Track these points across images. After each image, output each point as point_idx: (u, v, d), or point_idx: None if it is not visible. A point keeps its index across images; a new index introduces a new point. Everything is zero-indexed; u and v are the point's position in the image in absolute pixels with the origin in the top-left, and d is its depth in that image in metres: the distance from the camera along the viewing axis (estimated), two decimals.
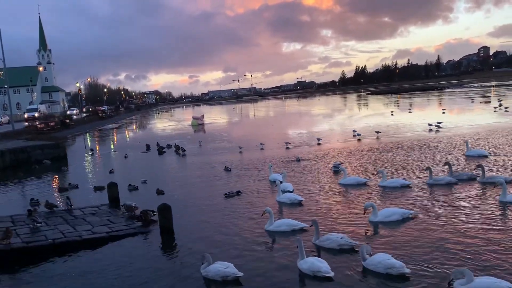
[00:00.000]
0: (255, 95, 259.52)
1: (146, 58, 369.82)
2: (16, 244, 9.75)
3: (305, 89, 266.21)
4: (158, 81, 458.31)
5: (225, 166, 18.93)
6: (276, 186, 13.43)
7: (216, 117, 71.82)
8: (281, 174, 15.07)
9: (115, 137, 45.84)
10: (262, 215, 10.37)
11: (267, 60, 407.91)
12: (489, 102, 48.93)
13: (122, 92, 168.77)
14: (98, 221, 11.59)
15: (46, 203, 12.92)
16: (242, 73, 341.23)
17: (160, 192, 15.32)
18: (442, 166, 15.05)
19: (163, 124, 62.64)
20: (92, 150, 30.01)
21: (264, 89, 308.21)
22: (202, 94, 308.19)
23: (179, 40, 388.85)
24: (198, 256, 8.63)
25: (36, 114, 61.18)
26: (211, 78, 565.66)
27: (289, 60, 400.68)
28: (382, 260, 7.34)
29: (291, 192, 13.37)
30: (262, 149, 24.53)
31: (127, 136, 46.05)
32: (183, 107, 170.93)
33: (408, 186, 13.19)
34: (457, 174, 13.71)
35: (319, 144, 24.50)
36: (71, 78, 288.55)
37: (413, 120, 34.59)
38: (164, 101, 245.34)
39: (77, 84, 79.14)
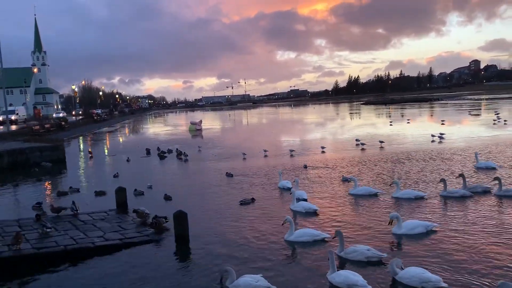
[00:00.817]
0: (249, 102, 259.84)
1: (141, 62, 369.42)
2: (26, 250, 9.35)
3: (298, 98, 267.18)
4: (152, 85, 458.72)
5: (227, 172, 18.77)
6: (290, 194, 13.16)
7: (212, 123, 71.56)
8: (293, 181, 14.85)
9: (112, 141, 45.28)
10: (282, 224, 10.08)
11: (261, 67, 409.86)
12: (479, 114, 49.39)
13: (117, 96, 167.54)
14: (108, 227, 11.22)
15: (52, 207, 12.50)
16: (236, 80, 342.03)
17: (167, 198, 15.00)
18: (456, 178, 14.87)
19: (160, 129, 62.12)
20: (91, 153, 29.50)
21: (258, 97, 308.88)
22: (195, 99, 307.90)
23: (174, 46, 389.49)
24: (216, 267, 8.39)
25: (13, 117, 59.81)
26: (205, 84, 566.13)
27: (283, 68, 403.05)
28: (417, 273, 7.11)
29: (305, 200, 13.15)
30: (265, 156, 24.29)
31: (125, 140, 45.49)
32: (176, 112, 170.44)
33: (422, 198, 13.00)
34: (471, 187, 13.56)
35: (323, 152, 24.31)
36: (64, 80, 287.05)
37: (413, 130, 34.59)
38: (158, 106, 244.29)
39: (73, 87, 78.71)
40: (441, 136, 26.70)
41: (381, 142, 25.69)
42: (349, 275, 7.15)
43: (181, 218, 10.29)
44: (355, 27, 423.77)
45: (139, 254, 9.69)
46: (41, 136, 39.57)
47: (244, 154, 24.44)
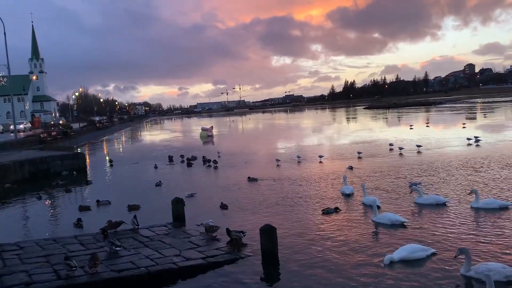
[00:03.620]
0: (245, 108, 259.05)
1: (136, 69, 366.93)
2: (106, 273, 8.19)
3: (295, 103, 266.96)
4: (147, 92, 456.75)
5: (249, 177, 18.69)
6: (365, 204, 12.15)
7: (218, 129, 70.35)
8: (361, 186, 13.89)
9: (124, 148, 44.04)
10: (454, 257, 8.09)
11: (256, 73, 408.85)
12: (493, 116, 48.74)
13: (117, 103, 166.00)
14: (180, 244, 10.09)
15: (110, 222, 11.33)
16: (231, 85, 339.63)
17: (224, 207, 13.99)
18: None
19: (167, 135, 60.91)
20: (111, 161, 28.28)
21: (253, 102, 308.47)
22: (190, 106, 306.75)
23: (169, 52, 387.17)
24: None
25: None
26: (200, 91, 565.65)
27: (279, 73, 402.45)
28: None
29: (378, 207, 12.17)
30: (299, 162, 23.27)
31: (136, 147, 44.17)
32: (172, 118, 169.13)
33: (506, 208, 11.99)
34: None
35: (360, 158, 23.30)
36: (58, 88, 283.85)
37: (439, 134, 33.77)
38: (153, 113, 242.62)
39: (76, 94, 76.87)
40: (477, 140, 25.81)
41: (419, 146, 24.72)
42: None
43: (269, 233, 9.20)
44: (351, 31, 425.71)
45: (228, 275, 8.59)
46: (49, 143, 38.33)
47: (277, 160, 23.45)
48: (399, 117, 65.05)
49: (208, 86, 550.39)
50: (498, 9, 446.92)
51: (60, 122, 79.90)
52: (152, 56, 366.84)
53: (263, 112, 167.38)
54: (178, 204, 12.57)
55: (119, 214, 13.67)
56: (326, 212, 12.23)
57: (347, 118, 76.57)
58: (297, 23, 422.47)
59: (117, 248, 9.46)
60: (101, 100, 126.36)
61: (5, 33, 39.13)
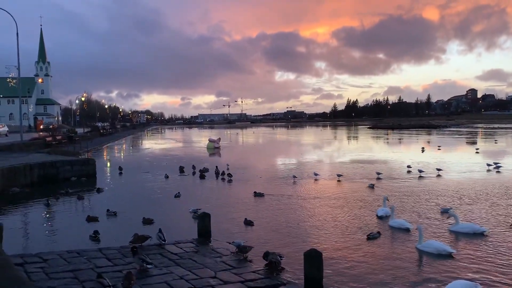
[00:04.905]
0: (247, 121, 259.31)
1: (140, 77, 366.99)
2: None
3: (295, 119, 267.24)
4: (149, 100, 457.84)
5: (255, 192, 18.22)
6: (415, 231, 11.45)
7: (223, 141, 69.67)
8: (390, 208, 13.26)
9: (130, 156, 43.32)
10: None
11: (260, 87, 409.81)
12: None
13: (120, 110, 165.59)
14: (213, 264, 9.39)
15: (136, 235, 10.63)
16: (234, 98, 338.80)
17: (249, 223, 13.38)
18: None
19: (173, 145, 60.25)
20: (121, 168, 27.57)
21: (254, 116, 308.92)
22: (192, 116, 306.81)
23: (174, 61, 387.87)
24: None
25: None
26: (202, 102, 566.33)
27: (282, 89, 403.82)
28: None
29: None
30: (316, 179, 22.64)
31: (143, 155, 43.44)
32: (173, 128, 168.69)
33: None
34: None
35: (379, 178, 22.66)
36: (61, 92, 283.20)
37: (455, 158, 33.21)
38: (155, 121, 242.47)
39: (82, 98, 76.23)
40: (497, 166, 25.22)
41: (439, 170, 24.09)
42: None
43: (314, 258, 8.51)
44: (356, 51, 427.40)
45: None
46: (54, 147, 37.67)
47: (294, 177, 22.86)
48: (407, 139, 64.49)
49: (211, 98, 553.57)
50: (503, 36, 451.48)
51: (51, 127, 78.08)
52: (157, 64, 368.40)
53: (264, 126, 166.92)
54: (204, 219, 11.90)
55: (134, 226, 13.08)
56: (372, 237, 11.52)
57: (354, 137, 75.96)
58: (303, 39, 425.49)
59: (148, 266, 8.76)
60: (106, 106, 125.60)
61: (17, 34, 38.74)
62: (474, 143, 51.37)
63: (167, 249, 10.50)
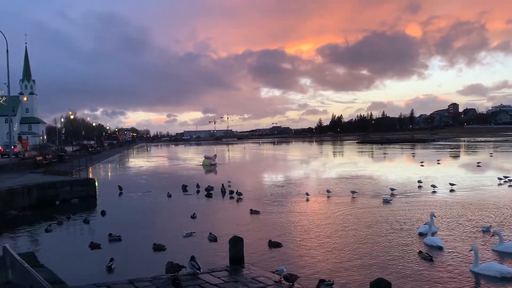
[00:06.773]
0: (234, 137, 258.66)
1: (125, 95, 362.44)
2: None
3: (281, 135, 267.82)
4: (135, 118, 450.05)
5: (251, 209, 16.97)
6: (449, 249, 10.76)
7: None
8: (425, 225, 12.62)
9: (125, 175, 41.89)
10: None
11: (246, 103, 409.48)
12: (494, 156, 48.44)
13: (108, 128, 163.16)
14: None
15: (171, 264, 9.63)
16: (220, 114, 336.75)
17: (275, 245, 12.61)
18: None
19: (166, 162, 59.04)
20: (121, 188, 26.37)
21: (240, 132, 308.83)
22: (177, 133, 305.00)
23: (160, 79, 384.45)
24: None
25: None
26: (188, 118, 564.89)
27: (268, 105, 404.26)
28: None
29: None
30: (329, 196, 21.92)
31: (138, 174, 42.08)
32: (160, 145, 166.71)
33: None
34: None
35: (393, 194, 22.03)
36: (46, 110, 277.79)
37: (458, 172, 32.87)
38: (141, 139, 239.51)
39: (71, 116, 74.37)
40: (509, 180, 24.91)
41: (452, 184, 23.61)
42: None
43: None
44: (340, 67, 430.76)
45: None
46: (44, 167, 36.29)
47: (307, 194, 22.11)
48: (400, 153, 64.45)
49: (197, 114, 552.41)
50: (483, 51, 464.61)
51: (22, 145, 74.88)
52: (143, 81, 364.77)
53: (251, 142, 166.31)
54: (237, 244, 10.96)
55: (144, 252, 12.31)
56: (430, 259, 10.74)
57: (348, 152, 75.72)
58: (288, 56, 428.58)
59: None
60: (94, 124, 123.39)
61: (7, 50, 37.48)
62: (469, 156, 51.46)
63: (203, 278, 9.53)
